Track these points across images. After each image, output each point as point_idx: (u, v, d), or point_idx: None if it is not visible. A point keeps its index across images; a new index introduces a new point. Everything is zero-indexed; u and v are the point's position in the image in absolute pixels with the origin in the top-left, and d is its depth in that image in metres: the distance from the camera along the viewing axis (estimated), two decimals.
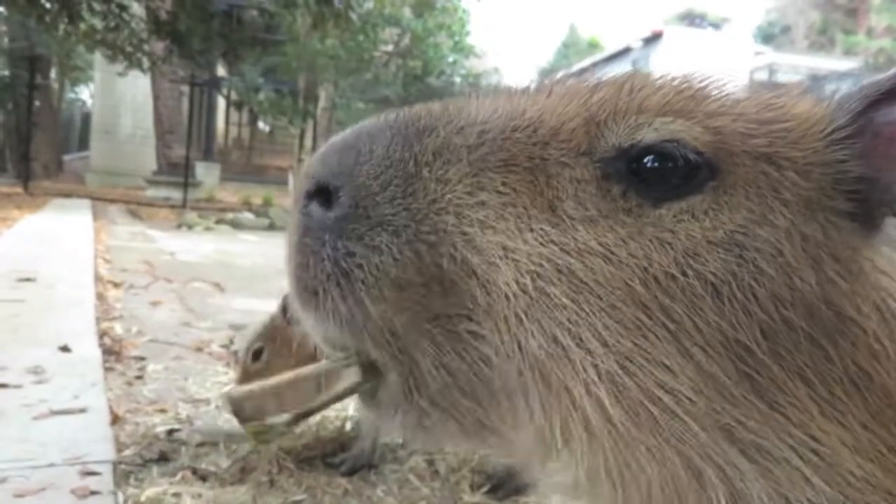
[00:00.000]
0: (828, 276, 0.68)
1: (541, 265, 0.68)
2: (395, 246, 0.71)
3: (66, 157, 33.72)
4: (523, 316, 0.67)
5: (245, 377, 2.97)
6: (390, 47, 23.48)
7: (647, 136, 0.72)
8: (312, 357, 2.76)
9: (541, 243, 0.69)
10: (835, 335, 0.67)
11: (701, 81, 0.79)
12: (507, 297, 0.68)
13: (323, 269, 0.73)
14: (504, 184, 0.72)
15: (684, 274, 0.67)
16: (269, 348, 2.94)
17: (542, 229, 0.70)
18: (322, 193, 0.75)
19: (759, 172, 0.71)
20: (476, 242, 0.70)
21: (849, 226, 0.71)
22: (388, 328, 0.71)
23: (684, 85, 0.78)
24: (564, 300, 0.67)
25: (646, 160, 0.72)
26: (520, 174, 0.73)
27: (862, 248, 0.70)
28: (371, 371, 0.77)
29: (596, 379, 0.65)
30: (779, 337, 0.66)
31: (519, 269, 0.68)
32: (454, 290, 0.70)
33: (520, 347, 0.68)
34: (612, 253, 0.68)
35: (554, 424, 0.68)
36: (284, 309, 2.96)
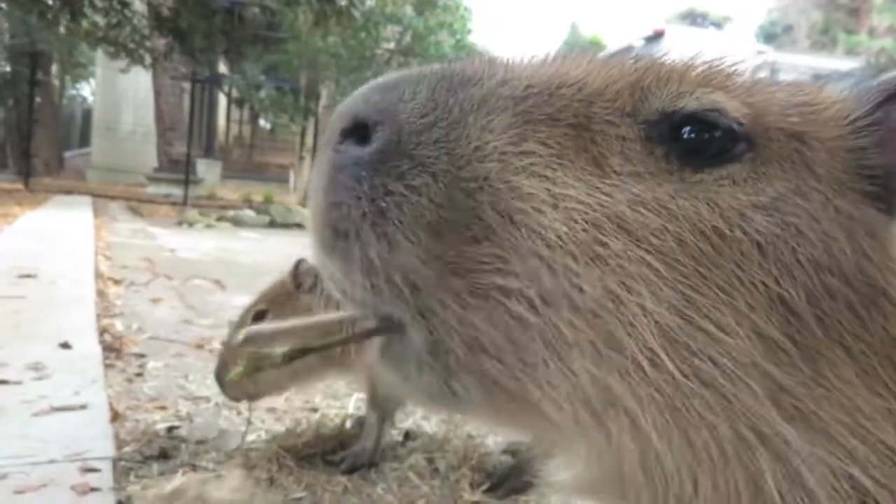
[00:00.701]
0: (862, 249, 0.70)
1: (591, 212, 0.67)
2: (435, 189, 0.68)
3: (67, 154, 33.73)
4: (573, 264, 0.65)
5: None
6: (392, 45, 23.46)
7: (689, 103, 0.73)
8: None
9: (590, 193, 0.68)
10: (869, 306, 0.69)
11: (734, 66, 0.81)
12: (555, 244, 0.65)
13: (358, 206, 0.68)
14: (549, 136, 0.71)
15: (731, 230, 0.67)
16: (273, 311, 2.93)
17: (590, 180, 0.69)
18: (359, 130, 0.71)
19: (793, 149, 0.73)
20: (522, 189, 0.68)
21: (874, 208, 0.73)
22: (411, 280, 0.67)
23: (720, 65, 0.80)
24: (617, 248, 0.66)
25: (687, 127, 0.73)
26: (565, 129, 0.72)
27: (886, 229, 0.73)
28: (392, 324, 0.71)
29: (652, 332, 0.64)
30: (821, 303, 0.68)
31: (570, 216, 0.67)
32: (489, 242, 0.66)
33: (567, 298, 0.65)
34: (662, 205, 0.68)
35: (600, 385, 0.65)
36: (295, 275, 2.96)
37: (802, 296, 0.67)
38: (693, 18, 47.32)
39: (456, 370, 0.68)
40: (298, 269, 2.97)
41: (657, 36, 37.58)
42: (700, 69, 0.78)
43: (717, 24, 46.81)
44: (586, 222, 0.66)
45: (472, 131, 0.70)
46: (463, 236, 0.67)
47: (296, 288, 2.96)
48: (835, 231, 0.70)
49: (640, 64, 0.79)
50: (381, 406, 3.04)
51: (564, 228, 0.66)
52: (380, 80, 0.76)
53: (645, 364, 0.64)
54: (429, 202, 0.67)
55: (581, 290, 0.65)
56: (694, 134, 0.72)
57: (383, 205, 0.67)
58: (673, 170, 0.71)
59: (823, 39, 43.74)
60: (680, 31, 38.81)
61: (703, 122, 0.73)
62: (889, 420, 0.67)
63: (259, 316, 2.95)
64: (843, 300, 0.68)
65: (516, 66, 0.79)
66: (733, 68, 0.80)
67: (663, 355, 0.64)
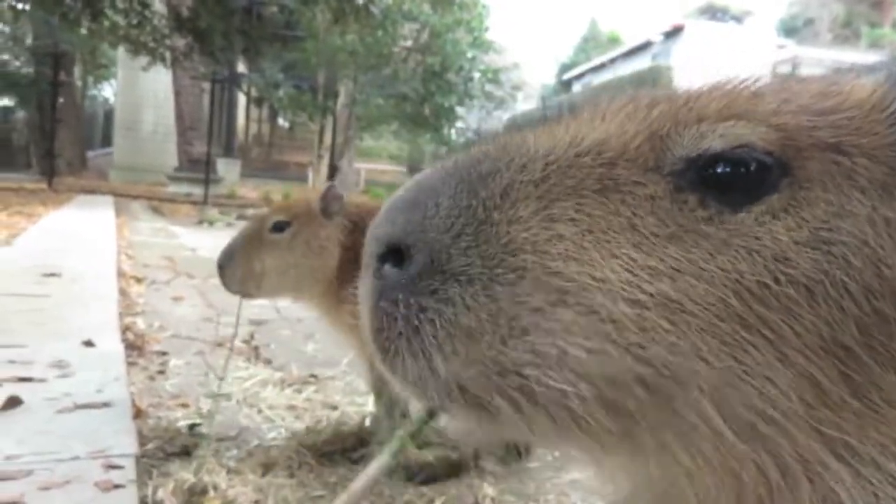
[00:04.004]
0: None
1: (633, 293, 0.67)
2: (469, 294, 0.70)
3: (90, 154, 34.12)
4: (621, 345, 0.66)
5: (251, 242, 3.01)
6: (409, 43, 23.46)
7: (714, 143, 0.71)
8: (342, 248, 2.77)
9: (628, 270, 0.68)
10: None
11: (755, 81, 0.78)
12: (607, 324, 0.66)
13: (395, 328, 0.72)
14: (577, 211, 0.71)
15: (777, 281, 0.66)
16: (296, 224, 2.98)
17: (625, 254, 0.69)
18: (394, 254, 0.74)
19: (830, 163, 0.70)
20: (563, 276, 0.68)
21: None
22: (457, 384, 0.69)
23: (740, 87, 0.77)
24: (664, 324, 0.66)
25: (717, 167, 0.71)
26: (591, 198, 0.72)
27: None
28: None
29: (701, 396, 0.65)
30: (873, 330, 0.65)
31: (613, 300, 0.67)
32: (528, 335, 0.67)
33: (621, 374, 0.66)
34: (702, 269, 0.67)
35: (657, 448, 0.68)
36: (324, 199, 2.98)
37: (853, 328, 0.65)
38: (713, 13, 46.86)
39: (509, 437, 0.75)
40: (328, 194, 2.99)
41: (676, 31, 37.25)
42: (719, 98, 0.75)
43: (738, 19, 46.29)
44: (630, 303, 0.66)
45: (500, 227, 0.72)
46: (504, 331, 0.68)
47: (321, 212, 2.99)
48: (884, 247, 0.67)
49: (655, 111, 0.77)
50: (387, 398, 3.02)
51: (610, 313, 0.66)
52: (402, 195, 0.78)
53: (700, 426, 0.65)
54: (463, 308, 0.69)
55: (638, 363, 0.66)
56: (725, 173, 0.70)
57: (417, 323, 0.71)
58: (711, 216, 0.69)
59: (846, 33, 43.15)
60: (699, 26, 38.44)
61: (730, 160, 0.70)
62: None
63: (280, 227, 2.98)
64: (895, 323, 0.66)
65: (531, 142, 0.78)
66: (755, 84, 0.77)
67: (717, 419, 0.65)
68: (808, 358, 0.65)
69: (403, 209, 0.76)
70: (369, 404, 3.56)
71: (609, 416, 0.66)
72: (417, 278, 0.72)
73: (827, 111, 0.73)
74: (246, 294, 3.06)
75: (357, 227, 2.93)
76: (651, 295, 0.66)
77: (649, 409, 0.66)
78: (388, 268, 0.74)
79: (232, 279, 3.02)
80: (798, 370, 0.65)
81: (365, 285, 0.77)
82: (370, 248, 0.77)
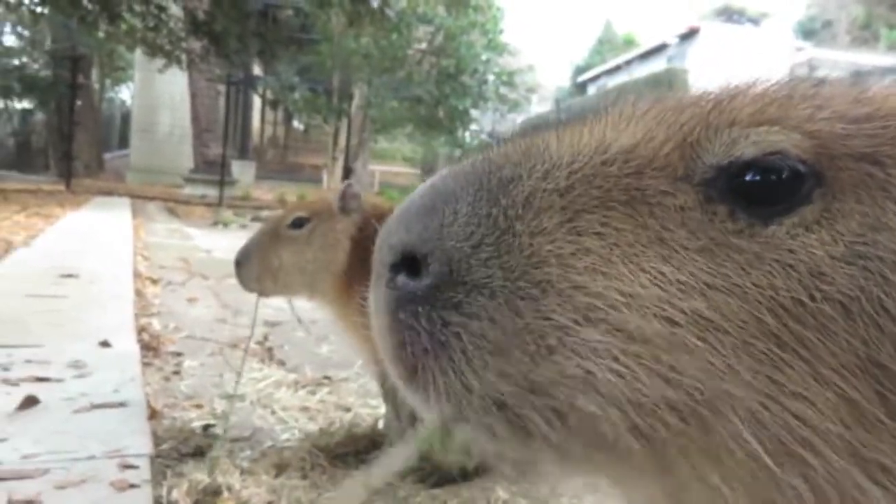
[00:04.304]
0: None
1: (664, 309, 0.64)
2: (493, 308, 0.66)
3: (107, 156, 34.47)
4: (652, 367, 0.63)
5: (269, 239, 3.05)
6: (424, 46, 23.53)
7: (747, 150, 0.68)
8: (355, 244, 2.78)
9: (658, 285, 0.65)
10: None
11: (787, 84, 0.75)
12: (636, 344, 0.63)
13: (420, 343, 0.68)
14: (604, 224, 0.68)
15: (812, 298, 0.63)
16: (315, 221, 3.01)
17: (654, 268, 0.66)
18: (409, 263, 0.70)
19: (865, 174, 0.67)
20: (589, 291, 0.65)
21: None
22: (494, 399, 0.66)
23: (772, 91, 0.74)
24: (696, 342, 0.63)
25: (748, 176, 0.68)
26: (618, 210, 0.69)
27: None
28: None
29: (737, 420, 0.62)
30: None
31: (643, 317, 0.64)
32: (555, 355, 0.65)
33: (652, 398, 0.63)
34: (735, 285, 0.64)
35: (690, 474, 0.65)
36: (343, 198, 3.01)
37: (890, 346, 0.62)
38: (729, 15, 46.58)
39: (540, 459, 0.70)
40: (346, 192, 3.02)
41: (692, 33, 37.09)
42: (751, 102, 0.72)
43: (754, 21, 45.99)
44: (660, 320, 0.64)
45: (522, 239, 0.68)
46: (531, 348, 0.65)
47: (340, 210, 3.01)
48: None
49: (684, 116, 0.73)
50: (396, 399, 3.01)
51: (642, 327, 0.64)
52: (416, 200, 0.74)
53: (735, 450, 0.63)
54: (489, 323, 0.66)
55: (669, 387, 0.63)
56: (756, 183, 0.68)
57: (443, 338, 0.67)
58: (741, 228, 0.66)
59: (864, 35, 42.75)
60: (715, 28, 38.25)
61: (763, 168, 0.68)
62: None
63: (298, 223, 3.02)
64: None
65: (554, 147, 0.75)
66: (790, 88, 0.74)
67: (753, 441, 0.62)
68: (843, 377, 0.62)
69: (419, 215, 0.72)
70: (382, 406, 3.57)
71: (640, 442, 0.64)
72: (436, 290, 0.68)
73: (862, 119, 0.70)
74: (262, 291, 3.08)
75: (371, 226, 2.94)
76: (683, 311, 0.64)
77: (683, 435, 0.64)
78: (402, 278, 0.70)
79: (249, 276, 3.05)
80: (834, 390, 0.62)
81: (377, 296, 0.74)
82: (382, 257, 0.73)
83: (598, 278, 0.65)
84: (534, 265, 0.67)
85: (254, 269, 3.05)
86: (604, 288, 0.65)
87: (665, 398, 0.63)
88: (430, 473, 2.82)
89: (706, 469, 0.65)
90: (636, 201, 0.69)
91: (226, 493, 2.50)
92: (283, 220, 3.08)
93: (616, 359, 0.63)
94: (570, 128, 0.78)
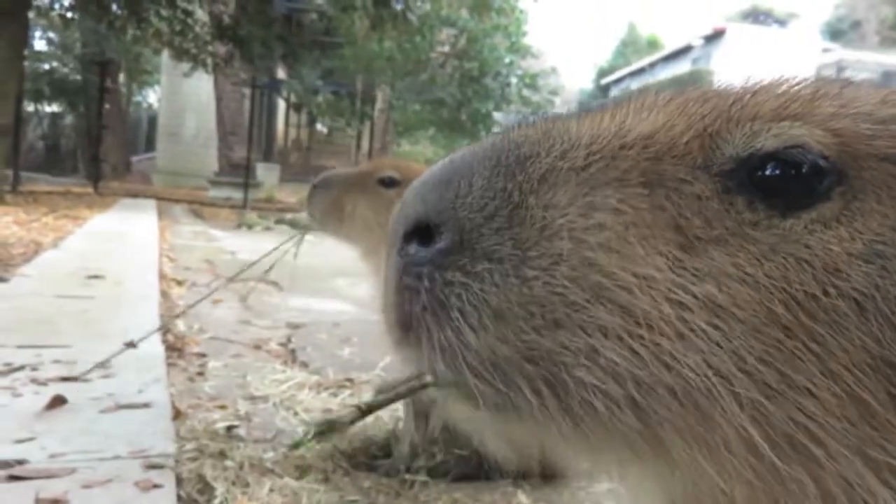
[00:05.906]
0: None
1: (679, 293, 0.64)
2: (498, 273, 0.66)
3: (134, 159, 34.93)
4: (657, 353, 0.63)
5: (354, 182, 3.02)
6: (447, 48, 23.54)
7: (767, 143, 0.68)
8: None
9: (674, 270, 0.65)
10: None
11: (814, 84, 0.74)
12: (643, 328, 0.63)
13: (418, 301, 0.69)
14: (621, 200, 0.67)
15: (826, 293, 0.63)
16: (403, 187, 2.99)
17: (671, 253, 0.65)
18: (421, 232, 0.71)
19: (888, 175, 0.66)
20: (602, 269, 0.65)
21: None
22: (489, 359, 0.66)
23: (797, 87, 0.74)
24: (706, 328, 0.63)
25: (768, 168, 0.68)
26: (635, 190, 0.68)
27: None
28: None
29: (740, 409, 0.62)
30: None
31: (656, 299, 0.64)
32: (561, 329, 0.64)
33: (660, 382, 0.63)
34: (748, 275, 0.64)
35: (688, 458, 0.65)
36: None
37: None
38: (756, 16, 46.13)
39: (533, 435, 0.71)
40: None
41: (717, 35, 36.74)
42: (775, 97, 0.71)
43: (782, 22, 45.48)
44: (676, 304, 0.63)
45: (535, 211, 0.68)
46: (536, 320, 0.65)
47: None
48: None
49: (706, 107, 0.73)
50: (416, 399, 2.98)
51: (653, 313, 0.63)
52: (434, 172, 0.75)
53: (737, 442, 0.63)
54: (492, 287, 0.66)
55: (667, 372, 0.63)
56: (776, 176, 0.67)
57: (442, 297, 0.68)
58: (758, 220, 0.66)
59: (893, 35, 42.04)
60: (742, 30, 37.85)
61: (784, 161, 0.67)
62: None
63: (389, 182, 2.97)
64: None
65: (574, 129, 0.75)
66: (815, 86, 0.73)
67: (755, 433, 0.62)
68: (854, 375, 0.61)
69: (435, 187, 0.72)
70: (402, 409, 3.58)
71: (636, 418, 0.64)
72: (444, 255, 0.69)
73: (887, 120, 0.69)
74: (320, 224, 3.03)
75: None
76: (695, 297, 0.63)
77: (680, 417, 0.63)
78: (413, 246, 0.71)
79: (318, 204, 2.99)
80: (843, 387, 0.61)
81: (388, 265, 0.74)
82: (396, 227, 0.74)
83: (613, 257, 0.65)
84: (546, 237, 0.67)
85: (327, 201, 2.99)
86: (618, 267, 0.65)
87: (668, 383, 0.63)
88: (451, 467, 2.81)
89: (700, 455, 0.64)
90: (654, 184, 0.69)
91: (247, 495, 2.52)
92: (374, 171, 3.02)
93: (621, 339, 0.63)
94: (590, 115, 0.78)
